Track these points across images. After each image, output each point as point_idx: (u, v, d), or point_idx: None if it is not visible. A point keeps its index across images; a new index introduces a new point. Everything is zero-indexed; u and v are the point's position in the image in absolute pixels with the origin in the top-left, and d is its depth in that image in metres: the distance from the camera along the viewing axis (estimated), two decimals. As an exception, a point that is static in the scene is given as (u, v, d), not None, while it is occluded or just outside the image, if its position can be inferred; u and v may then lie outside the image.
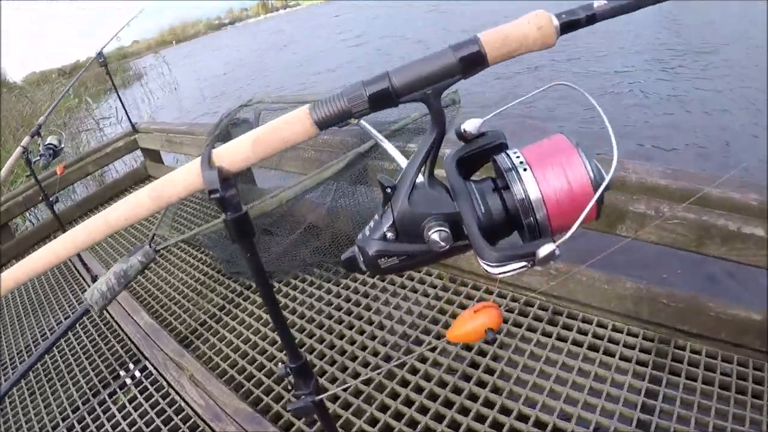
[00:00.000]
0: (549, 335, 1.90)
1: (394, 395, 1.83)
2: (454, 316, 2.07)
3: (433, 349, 1.95)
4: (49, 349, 1.94)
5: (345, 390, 1.89)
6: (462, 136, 0.68)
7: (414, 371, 1.90)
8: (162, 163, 4.67)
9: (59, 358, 2.56)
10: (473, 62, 0.59)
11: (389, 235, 0.64)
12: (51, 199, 2.77)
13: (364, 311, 2.25)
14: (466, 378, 1.82)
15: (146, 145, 4.48)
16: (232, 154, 0.66)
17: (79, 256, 3.25)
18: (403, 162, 0.69)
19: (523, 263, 0.57)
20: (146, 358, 2.31)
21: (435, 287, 2.26)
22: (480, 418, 1.67)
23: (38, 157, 2.63)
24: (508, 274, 0.58)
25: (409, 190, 0.63)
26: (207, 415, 1.92)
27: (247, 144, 0.65)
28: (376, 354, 2.03)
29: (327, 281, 2.48)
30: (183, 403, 2.02)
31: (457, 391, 1.78)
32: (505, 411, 1.68)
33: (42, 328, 2.90)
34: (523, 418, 1.64)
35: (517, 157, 0.62)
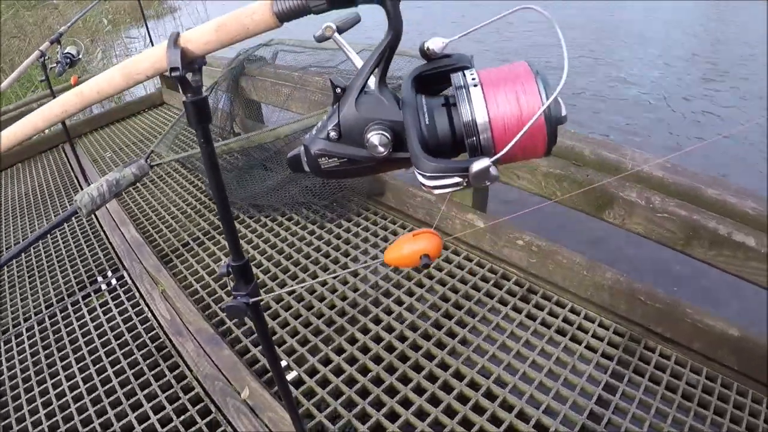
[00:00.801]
0: (519, 311, 1.88)
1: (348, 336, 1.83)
2: (429, 276, 2.06)
3: (400, 303, 1.94)
4: (33, 242, 1.97)
5: (284, 296, 1.96)
6: (425, 53, 0.65)
7: (377, 321, 1.90)
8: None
9: (43, 256, 2.62)
10: None
11: (332, 134, 0.63)
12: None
13: (341, 256, 2.25)
14: (426, 337, 1.81)
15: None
16: (196, 38, 0.67)
17: (79, 164, 3.29)
18: (357, 62, 0.67)
19: (457, 179, 0.55)
20: (125, 269, 2.34)
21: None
22: (431, 378, 1.67)
23: (55, 64, 2.63)
24: (443, 190, 0.57)
25: (357, 92, 0.62)
26: (170, 330, 1.95)
27: (211, 28, 0.66)
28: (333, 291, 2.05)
29: (312, 223, 2.48)
30: (150, 315, 2.05)
31: (415, 348, 1.78)
32: (458, 376, 1.67)
33: (35, 227, 2.95)
34: (474, 385, 1.63)
35: (472, 76, 0.60)
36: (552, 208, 2.07)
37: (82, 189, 3.24)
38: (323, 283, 2.06)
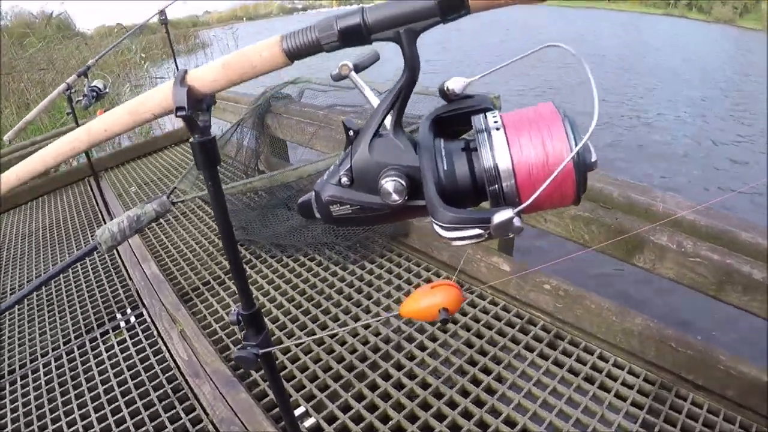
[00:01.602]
0: (546, 358, 1.81)
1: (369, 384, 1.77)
2: (454, 320, 2.00)
3: (423, 349, 1.89)
4: (52, 278, 1.97)
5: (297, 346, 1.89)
6: (444, 94, 0.63)
7: (399, 366, 1.84)
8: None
9: (64, 290, 2.61)
10: (452, 5, 0.52)
11: (344, 180, 0.60)
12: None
13: (364, 298, 2.20)
14: (450, 385, 1.75)
15: (192, 107, 4.46)
16: (203, 76, 0.65)
17: (103, 198, 3.31)
18: (374, 102, 0.64)
19: (478, 230, 0.51)
20: (144, 306, 2.32)
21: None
22: (454, 428, 1.60)
23: (81, 98, 2.67)
24: (462, 242, 0.53)
25: (371, 136, 0.59)
26: (187, 370, 1.91)
27: (217, 67, 0.64)
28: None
29: (335, 264, 2.44)
30: (167, 355, 2.02)
31: (438, 395, 1.71)
32: (482, 426, 1.60)
33: (57, 261, 2.96)
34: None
35: (495, 119, 0.56)
36: (578, 250, 2.03)
37: (104, 224, 3.28)
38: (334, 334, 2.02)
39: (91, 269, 2.76)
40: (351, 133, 0.60)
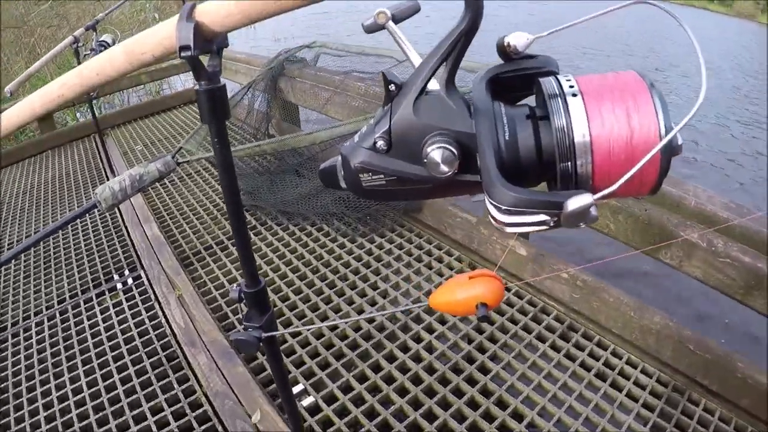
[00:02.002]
0: (558, 350, 1.73)
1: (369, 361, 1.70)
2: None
3: (431, 331, 1.81)
4: (48, 235, 1.89)
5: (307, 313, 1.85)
6: (504, 51, 0.52)
7: (404, 348, 1.76)
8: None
9: (62, 248, 2.55)
10: None
11: (380, 144, 0.49)
12: (91, 94, 2.70)
13: (371, 274, 2.12)
14: (456, 371, 1.67)
15: (204, 67, 4.36)
16: (215, 11, 0.54)
17: (107, 155, 3.23)
18: (414, 59, 0.54)
19: (544, 217, 0.42)
20: (143, 268, 2.25)
21: (452, 268, 2.11)
22: (460, 417, 1.53)
23: (89, 51, 2.56)
24: (521, 228, 0.43)
25: (417, 92, 0.48)
26: (183, 339, 1.84)
27: (231, 2, 0.53)
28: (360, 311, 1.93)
29: (344, 236, 2.35)
30: (164, 320, 1.96)
31: (444, 382, 1.64)
32: (488, 417, 1.52)
33: (57, 217, 2.90)
34: (504, 429, 1.49)
35: (570, 83, 0.46)
36: (601, 240, 1.92)
37: (108, 178, 3.21)
38: (346, 313, 1.94)
39: (92, 228, 2.69)
40: (392, 87, 0.50)
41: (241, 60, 3.80)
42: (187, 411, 1.58)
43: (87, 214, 2.63)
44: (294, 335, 1.83)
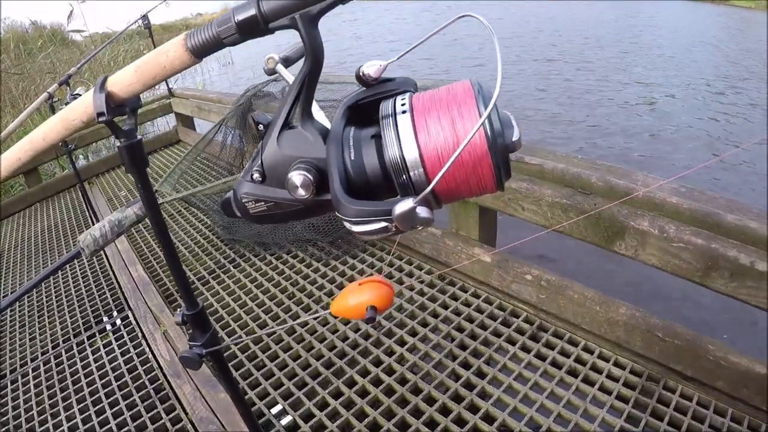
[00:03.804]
0: (528, 351, 1.77)
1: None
2: (434, 314, 1.97)
3: (402, 344, 1.86)
4: (37, 284, 1.97)
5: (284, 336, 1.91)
6: (361, 79, 0.59)
7: (377, 363, 1.81)
8: (194, 129, 4.71)
9: (53, 295, 2.64)
10: None
11: (256, 176, 0.57)
12: (70, 146, 2.77)
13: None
14: (428, 380, 1.72)
15: (180, 110, 4.54)
16: (120, 80, 0.64)
17: (89, 204, 3.32)
18: (316, 113, 0.61)
19: (384, 224, 0.48)
20: (130, 308, 2.32)
21: (422, 282, 2.17)
22: (431, 424, 1.56)
23: (63, 106, 2.65)
24: (371, 236, 0.50)
25: (278, 129, 0.56)
26: (169, 371, 1.91)
27: (131, 71, 0.63)
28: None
29: (318, 260, 2.42)
30: (151, 356, 2.02)
31: (416, 392, 1.68)
32: (460, 422, 1.56)
33: (48, 267, 2.97)
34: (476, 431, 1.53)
35: (402, 102, 0.52)
36: (565, 243, 1.97)
37: (93, 224, 3.30)
38: (304, 324, 2.00)
39: (80, 273, 2.77)
40: (260, 127, 0.58)
41: (213, 100, 3.92)
42: (175, 439, 1.64)
43: (75, 261, 2.71)
44: (272, 359, 1.88)
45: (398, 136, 0.50)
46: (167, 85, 4.44)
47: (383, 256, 2.37)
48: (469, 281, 2.09)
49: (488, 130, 0.48)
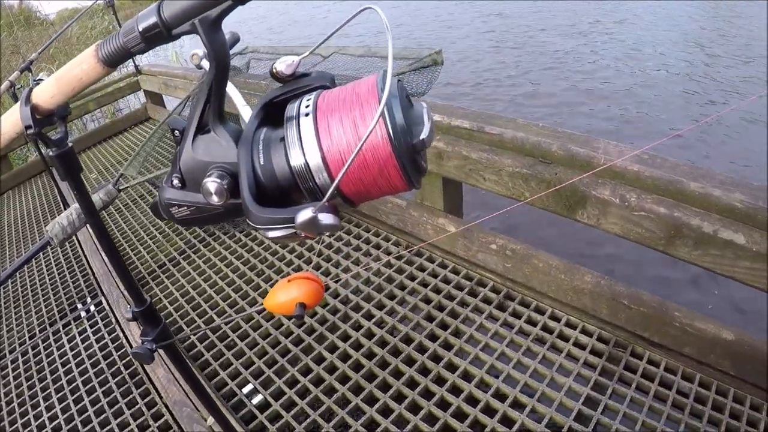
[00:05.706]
0: (495, 320, 1.78)
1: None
2: (401, 286, 1.99)
3: (369, 318, 1.87)
4: (9, 277, 1.96)
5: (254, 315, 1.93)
6: (274, 75, 0.58)
7: (345, 338, 1.83)
8: (163, 106, 4.64)
9: (28, 285, 2.64)
10: None
11: (175, 181, 0.57)
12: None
13: (313, 270, 2.18)
14: (395, 353, 1.73)
15: (148, 87, 4.47)
16: (43, 93, 0.65)
17: (59, 192, 3.29)
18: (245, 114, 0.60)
19: (290, 230, 0.47)
20: (103, 294, 2.32)
21: (389, 253, 2.17)
22: (399, 398, 1.59)
23: None
24: (284, 240, 0.49)
25: (192, 135, 0.56)
26: (141, 355, 1.91)
27: (53, 83, 0.64)
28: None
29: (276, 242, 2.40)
30: (125, 341, 2.03)
31: (383, 366, 1.70)
32: (427, 395, 1.58)
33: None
34: (444, 403, 1.55)
35: (307, 103, 0.51)
36: (529, 213, 1.97)
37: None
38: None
39: (54, 260, 2.77)
40: (176, 133, 0.57)
41: (179, 75, 3.86)
42: (150, 422, 1.66)
43: (48, 248, 2.70)
44: (242, 338, 1.89)
45: (301, 140, 0.49)
46: (134, 62, 4.34)
47: (351, 228, 2.36)
48: (436, 251, 2.09)
49: (390, 131, 0.46)
